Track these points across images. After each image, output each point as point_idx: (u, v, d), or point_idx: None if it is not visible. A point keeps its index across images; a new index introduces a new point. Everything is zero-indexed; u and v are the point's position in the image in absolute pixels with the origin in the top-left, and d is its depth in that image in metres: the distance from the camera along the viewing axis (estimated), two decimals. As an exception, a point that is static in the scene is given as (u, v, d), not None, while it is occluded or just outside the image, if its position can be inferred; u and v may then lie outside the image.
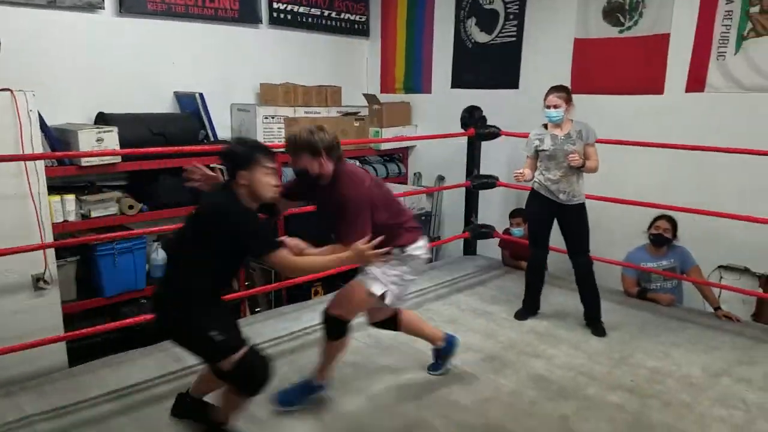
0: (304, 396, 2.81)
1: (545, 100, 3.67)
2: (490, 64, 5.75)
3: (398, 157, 6.76)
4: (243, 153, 2.25)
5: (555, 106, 3.63)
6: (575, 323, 3.87)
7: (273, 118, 5.17)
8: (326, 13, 6.21)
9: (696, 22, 4.46)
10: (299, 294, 4.81)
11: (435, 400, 2.91)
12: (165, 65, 5.12)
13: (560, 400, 2.91)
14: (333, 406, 2.84)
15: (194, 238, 2.23)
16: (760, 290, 4.71)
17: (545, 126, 3.76)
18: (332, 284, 4.93)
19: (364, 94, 6.33)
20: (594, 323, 3.78)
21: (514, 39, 5.52)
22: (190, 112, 5.03)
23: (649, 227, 4.35)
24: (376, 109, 6.12)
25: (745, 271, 4.72)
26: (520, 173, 3.73)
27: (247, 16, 5.54)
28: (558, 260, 4.41)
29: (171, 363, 3.20)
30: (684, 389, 3.03)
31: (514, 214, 5.01)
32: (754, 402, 2.91)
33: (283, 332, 3.68)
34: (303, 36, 6.09)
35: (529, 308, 4.00)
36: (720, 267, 4.84)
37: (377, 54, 6.80)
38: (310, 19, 6.06)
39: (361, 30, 6.67)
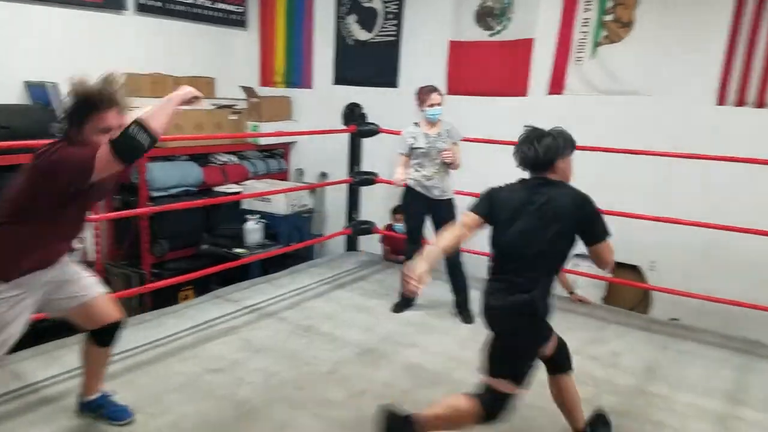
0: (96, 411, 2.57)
1: (428, 98, 3.78)
2: (372, 62, 5.83)
3: (279, 152, 6.67)
4: (569, 140, 2.29)
5: (438, 104, 3.79)
6: (446, 312, 4.04)
7: (138, 109, 4.87)
8: (200, 1, 5.98)
9: (558, 28, 4.79)
10: (164, 300, 4.55)
11: (308, 399, 2.90)
12: (14, 52, 4.66)
13: (432, 387, 3.02)
14: (196, 413, 2.74)
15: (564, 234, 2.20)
16: (610, 275, 5.20)
17: (417, 124, 3.89)
18: (205, 287, 4.78)
19: (241, 87, 6.16)
20: (463, 311, 3.97)
21: (393, 38, 5.64)
22: (42, 104, 4.63)
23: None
24: (253, 102, 5.99)
25: (595, 258, 5.17)
26: (399, 179, 3.87)
27: (112, 2, 5.19)
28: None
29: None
30: (540, 369, 3.26)
31: (397, 210, 5.12)
32: (601, 378, 3.20)
33: (144, 341, 3.40)
34: (174, 25, 5.82)
35: (406, 301, 4.12)
36: (576, 255, 5.26)
37: (255, 46, 6.64)
38: (182, 8, 5.80)
39: (237, 21, 6.49)
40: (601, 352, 3.52)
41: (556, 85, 4.89)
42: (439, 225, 3.92)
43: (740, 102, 4.39)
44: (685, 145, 4.29)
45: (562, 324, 3.87)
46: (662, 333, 3.88)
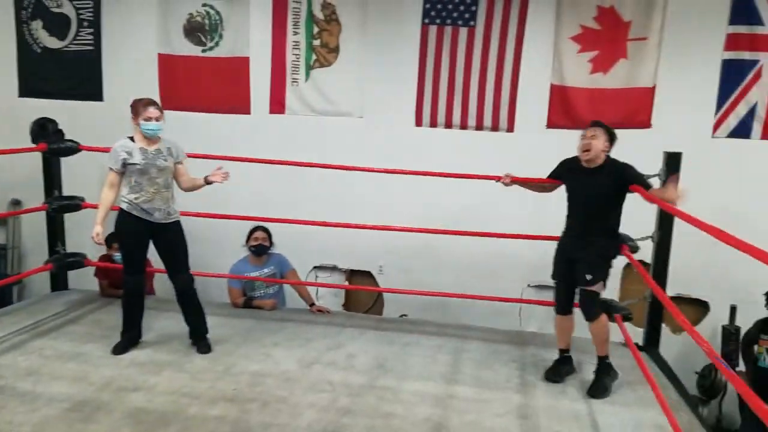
0: None
1: (144, 111, 3.41)
2: (67, 73, 5.17)
3: (-49, 180, 5.43)
4: None
5: (156, 119, 3.44)
6: (180, 345, 3.73)
7: None
8: None
9: (271, 49, 4.91)
10: None
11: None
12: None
13: (160, 429, 2.72)
14: None
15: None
16: (347, 283, 5.50)
17: (131, 138, 3.49)
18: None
19: None
20: (199, 341, 3.71)
21: (91, 48, 5.08)
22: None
23: (248, 239, 4.54)
24: None
25: (335, 268, 5.43)
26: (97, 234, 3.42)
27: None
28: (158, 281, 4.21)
29: None
30: (281, 385, 3.23)
31: (114, 238, 4.56)
32: (338, 382, 3.30)
33: None
34: None
35: (129, 340, 3.66)
36: (315, 267, 5.46)
37: None
38: None
39: None
40: (337, 357, 3.64)
41: (277, 105, 5.00)
42: (166, 251, 3.62)
43: (433, 123, 5.07)
44: (396, 161, 4.77)
45: (304, 336, 3.94)
46: (391, 330, 4.19)
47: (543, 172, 3.97)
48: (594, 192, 3.28)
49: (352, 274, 5.52)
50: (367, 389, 3.23)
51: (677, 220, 3.72)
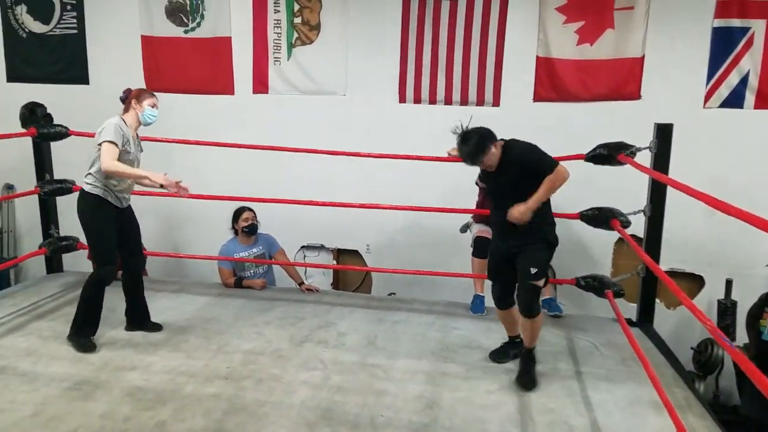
0: None
1: (149, 97, 3.40)
2: (54, 57, 5.16)
3: (-59, 167, 5.46)
4: None
5: (156, 106, 3.42)
6: (175, 324, 3.83)
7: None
8: None
9: (252, 28, 4.88)
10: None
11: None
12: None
13: (158, 407, 2.83)
14: None
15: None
16: (335, 262, 5.58)
17: (123, 121, 3.37)
18: None
19: None
20: (150, 322, 3.73)
21: (75, 31, 5.05)
22: None
23: (236, 220, 4.60)
24: None
25: (322, 248, 5.51)
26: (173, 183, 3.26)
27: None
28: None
29: None
30: (274, 363, 3.33)
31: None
32: (329, 359, 3.40)
33: None
34: None
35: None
36: (303, 247, 5.53)
37: None
38: None
39: None
40: (328, 336, 3.74)
41: (260, 85, 4.99)
42: (127, 235, 3.53)
43: (417, 100, 5.06)
44: (381, 139, 4.79)
45: (294, 315, 4.04)
46: (380, 308, 4.28)
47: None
48: (508, 189, 3.10)
49: (340, 253, 5.59)
50: (359, 367, 3.31)
51: (669, 193, 3.74)
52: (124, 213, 3.50)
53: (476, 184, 4.13)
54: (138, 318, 3.71)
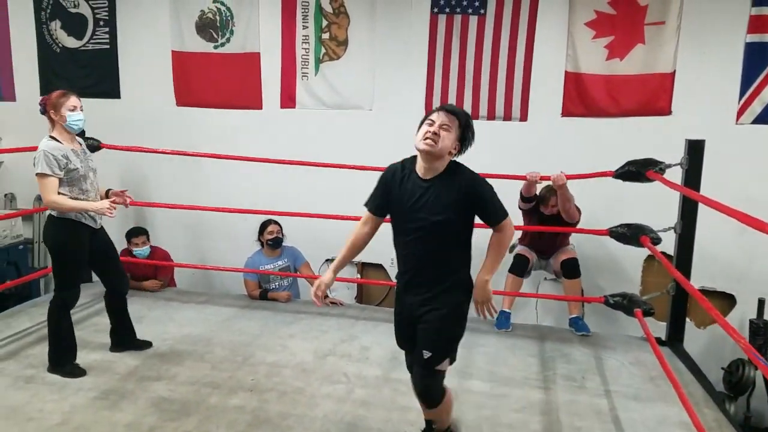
0: None
1: (66, 100, 3.06)
2: (86, 72, 5.29)
3: (-22, 178, 5.61)
4: None
5: (81, 108, 3.09)
6: (200, 336, 3.85)
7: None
8: None
9: (280, 44, 4.94)
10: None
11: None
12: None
13: (182, 418, 2.84)
14: None
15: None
16: (359, 276, 5.56)
17: (54, 138, 3.10)
18: None
19: None
20: (138, 340, 3.63)
21: (107, 46, 5.18)
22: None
23: (262, 233, 4.64)
24: (-66, 120, 4.92)
25: (347, 261, 5.49)
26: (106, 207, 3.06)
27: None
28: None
29: None
30: (298, 376, 3.32)
31: (135, 233, 4.70)
32: (353, 373, 3.38)
33: None
34: None
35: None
36: (327, 260, 5.52)
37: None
38: None
39: None
40: (351, 349, 3.72)
41: (288, 99, 5.04)
42: (105, 255, 3.37)
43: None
44: (404, 154, 4.73)
45: (318, 328, 4.03)
46: (404, 322, 4.25)
47: (558, 162, 3.96)
48: (428, 214, 2.27)
49: (364, 267, 5.58)
50: (383, 381, 3.29)
51: (700, 211, 3.66)
52: (98, 234, 3.29)
53: (519, 208, 4.14)
54: (125, 338, 3.59)
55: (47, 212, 3.20)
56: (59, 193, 3.05)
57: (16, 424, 2.74)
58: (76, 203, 3.08)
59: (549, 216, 4.11)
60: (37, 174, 3.02)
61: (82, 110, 3.12)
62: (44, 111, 3.13)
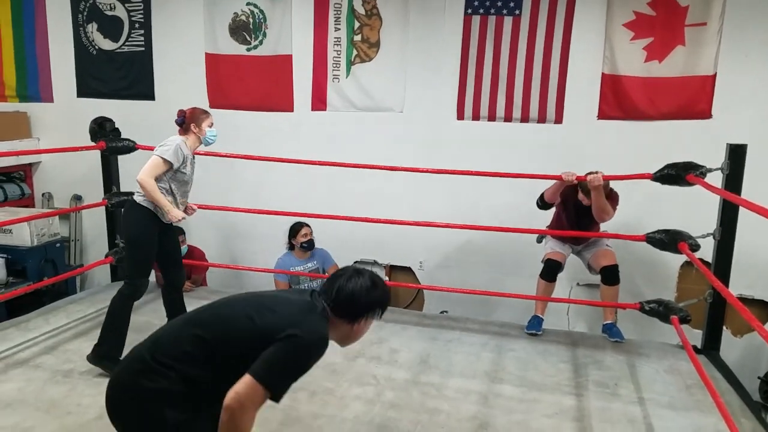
0: None
1: (207, 117, 3.40)
2: (122, 74, 5.39)
3: (18, 175, 5.77)
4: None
5: (213, 124, 3.42)
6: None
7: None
8: None
9: (312, 46, 4.97)
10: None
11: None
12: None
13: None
14: None
15: None
16: (387, 278, 5.55)
17: (184, 142, 3.39)
18: None
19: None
20: None
21: (142, 49, 5.27)
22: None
23: (294, 235, 4.66)
24: (-23, 120, 5.08)
25: (375, 263, 5.50)
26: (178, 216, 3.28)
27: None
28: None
29: None
30: (328, 377, 3.32)
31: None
32: (382, 376, 3.37)
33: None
34: None
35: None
36: (356, 262, 5.53)
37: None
38: None
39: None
40: (381, 351, 3.71)
41: (319, 102, 5.06)
42: (170, 250, 3.56)
43: (475, 116, 5.02)
44: (438, 155, 4.74)
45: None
46: (433, 326, 4.21)
47: (593, 166, 3.89)
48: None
49: (393, 270, 5.57)
50: (412, 384, 3.28)
51: (740, 216, 3.56)
52: (167, 228, 3.47)
53: (537, 205, 4.07)
54: None
55: (130, 198, 3.37)
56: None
57: (55, 417, 2.80)
58: (160, 197, 3.26)
59: (587, 207, 3.98)
60: (156, 154, 3.25)
61: (214, 126, 3.41)
62: (183, 122, 3.38)
